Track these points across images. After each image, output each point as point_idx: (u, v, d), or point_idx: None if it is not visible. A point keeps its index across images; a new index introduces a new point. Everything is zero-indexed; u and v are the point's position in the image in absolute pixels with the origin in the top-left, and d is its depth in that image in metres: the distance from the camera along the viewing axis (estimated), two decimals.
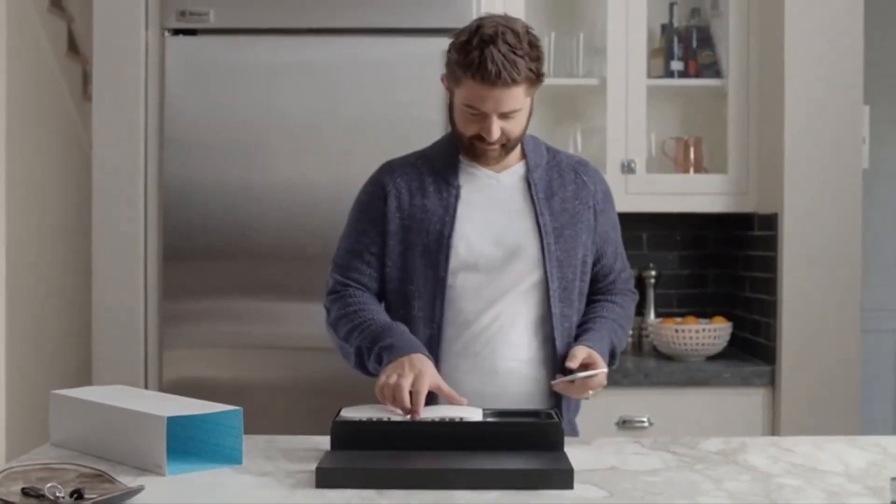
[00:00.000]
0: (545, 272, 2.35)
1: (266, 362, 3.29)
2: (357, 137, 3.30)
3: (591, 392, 2.31)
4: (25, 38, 3.87)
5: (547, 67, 3.69)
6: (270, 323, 3.30)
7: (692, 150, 3.80)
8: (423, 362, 2.19)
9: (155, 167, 3.38)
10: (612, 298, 2.51)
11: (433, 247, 2.33)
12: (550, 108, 3.87)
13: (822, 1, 3.39)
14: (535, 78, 2.25)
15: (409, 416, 2.10)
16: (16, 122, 3.75)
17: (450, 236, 2.33)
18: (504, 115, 2.26)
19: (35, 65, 3.98)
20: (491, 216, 2.36)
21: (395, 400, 2.13)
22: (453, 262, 2.33)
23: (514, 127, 2.30)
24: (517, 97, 2.24)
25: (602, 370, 2.28)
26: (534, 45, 2.25)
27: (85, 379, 3.65)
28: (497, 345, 2.35)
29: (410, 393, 2.12)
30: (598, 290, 2.51)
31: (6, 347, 3.68)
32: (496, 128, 2.26)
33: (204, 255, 3.32)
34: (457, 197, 2.36)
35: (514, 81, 2.20)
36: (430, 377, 2.16)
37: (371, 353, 2.29)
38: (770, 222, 3.50)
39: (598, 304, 2.48)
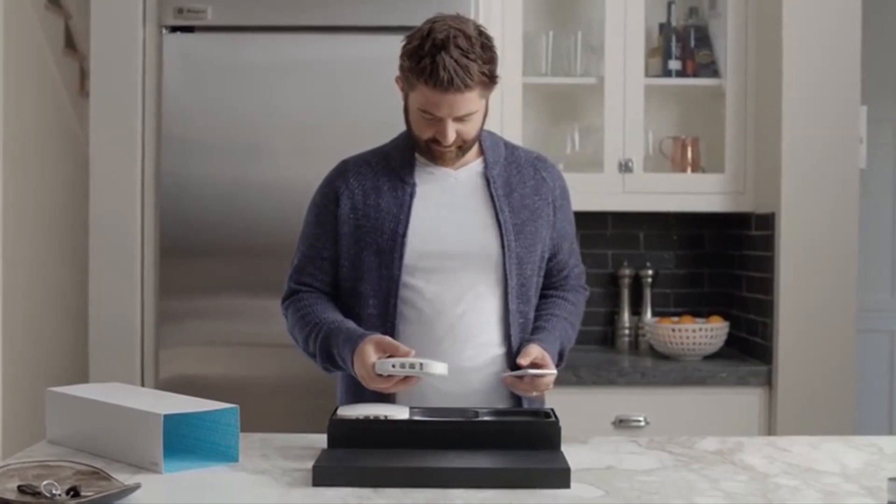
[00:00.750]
0: (504, 269, 2.33)
1: (263, 360, 3.29)
2: (354, 135, 3.29)
3: (536, 392, 2.29)
4: (23, 35, 3.87)
5: (544, 66, 3.74)
6: (267, 321, 3.29)
7: (689, 149, 3.80)
8: (363, 356, 2.18)
9: (152, 164, 3.37)
10: (565, 295, 2.49)
11: (386, 245, 2.32)
12: (548, 107, 3.87)
13: (819, 1, 3.39)
14: (489, 81, 2.23)
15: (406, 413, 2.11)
16: (12, 118, 3.74)
17: (404, 234, 2.31)
18: (459, 119, 2.24)
19: (32, 61, 3.97)
20: (448, 213, 2.34)
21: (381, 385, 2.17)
22: (408, 260, 2.31)
23: (470, 129, 2.28)
24: (471, 101, 2.22)
25: (552, 372, 2.26)
26: (486, 47, 2.22)
27: (81, 376, 3.65)
28: (460, 344, 2.32)
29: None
30: (551, 285, 2.49)
31: (2, 345, 3.68)
32: (451, 132, 2.24)
33: (200, 252, 3.32)
34: (412, 195, 2.34)
35: (467, 86, 2.18)
36: (370, 360, 2.16)
37: (331, 360, 2.32)
38: (767, 222, 3.50)
39: (551, 301, 2.47)
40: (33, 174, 3.97)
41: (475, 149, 2.39)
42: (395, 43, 3.29)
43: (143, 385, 3.34)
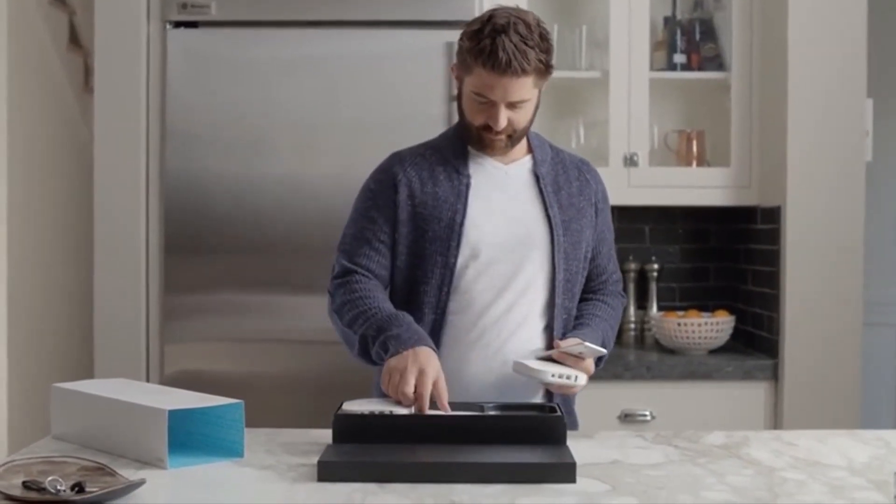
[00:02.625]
0: (553, 263, 2.37)
1: (268, 356, 3.29)
2: (359, 130, 3.30)
3: (561, 389, 2.31)
4: (27, 31, 3.87)
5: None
6: (271, 316, 3.30)
7: (695, 143, 3.79)
8: (428, 356, 2.18)
9: (156, 160, 3.37)
10: (604, 299, 2.53)
11: (444, 233, 2.34)
12: (553, 102, 3.86)
13: None
14: (545, 69, 2.28)
15: (412, 409, 2.11)
16: (17, 114, 3.74)
17: (461, 223, 2.34)
18: (512, 105, 2.28)
19: (36, 58, 3.97)
20: (502, 205, 2.38)
21: (400, 395, 2.13)
22: (464, 250, 2.34)
23: (521, 118, 2.32)
24: (526, 87, 2.26)
25: (602, 350, 2.30)
26: (544, 37, 2.27)
27: (86, 372, 3.65)
28: (507, 334, 2.36)
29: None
30: (590, 289, 2.53)
31: (8, 341, 3.68)
32: (503, 117, 2.28)
33: (205, 248, 3.32)
34: (468, 185, 2.37)
35: (524, 71, 2.22)
36: (434, 372, 2.15)
37: (376, 342, 2.26)
38: (773, 216, 3.49)
39: (592, 304, 2.51)
40: (38, 171, 3.97)
41: (523, 146, 2.44)
42: (402, 37, 3.32)
43: (148, 380, 3.34)
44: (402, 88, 3.30)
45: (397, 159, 2.44)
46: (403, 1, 3.32)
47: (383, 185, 2.41)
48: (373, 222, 2.40)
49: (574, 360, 2.27)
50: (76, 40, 4.37)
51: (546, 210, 2.39)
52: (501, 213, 2.37)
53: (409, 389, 2.12)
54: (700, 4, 3.87)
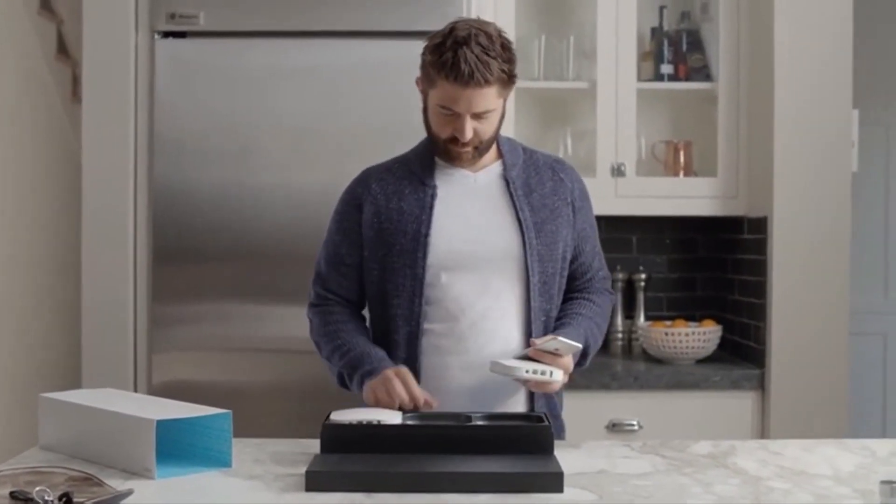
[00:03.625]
0: (526, 266, 2.37)
1: (256, 365, 3.29)
2: (348, 140, 3.30)
3: (539, 386, 2.30)
4: (15, 40, 3.87)
5: (537, 71, 3.74)
6: (260, 326, 3.29)
7: (682, 153, 3.80)
8: (399, 369, 2.30)
9: (144, 169, 3.37)
10: (590, 297, 2.52)
11: (410, 246, 2.36)
12: (540, 112, 3.87)
13: (811, 5, 3.40)
14: (507, 79, 2.30)
15: (402, 417, 2.12)
16: (5, 123, 3.74)
17: (427, 234, 2.36)
18: (477, 116, 2.30)
19: (24, 67, 3.97)
20: (469, 213, 2.39)
21: (390, 394, 2.24)
22: (431, 260, 2.36)
23: (487, 128, 2.33)
24: (489, 98, 2.28)
25: (577, 345, 2.28)
26: (506, 47, 2.29)
27: (74, 382, 3.64)
28: (484, 340, 2.36)
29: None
30: (575, 288, 2.53)
31: None
32: (469, 128, 2.30)
33: (194, 257, 3.32)
34: (433, 196, 2.39)
35: (486, 81, 2.24)
36: (412, 377, 2.28)
37: (353, 379, 2.39)
38: (759, 226, 3.50)
39: (576, 302, 2.50)
40: (26, 180, 3.96)
41: (493, 152, 2.45)
42: (388, 48, 3.32)
43: (135, 390, 3.33)
44: (390, 98, 3.30)
45: (364, 177, 2.49)
46: (391, 11, 3.32)
47: (348, 205, 2.47)
48: (339, 246, 2.47)
49: (551, 357, 2.27)
50: (64, 50, 4.36)
51: (517, 214, 2.39)
52: (469, 220, 2.38)
53: (400, 390, 2.23)
54: (687, 15, 3.88)
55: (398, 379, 2.26)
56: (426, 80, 2.33)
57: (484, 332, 2.36)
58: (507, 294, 2.38)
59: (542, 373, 2.24)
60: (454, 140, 2.34)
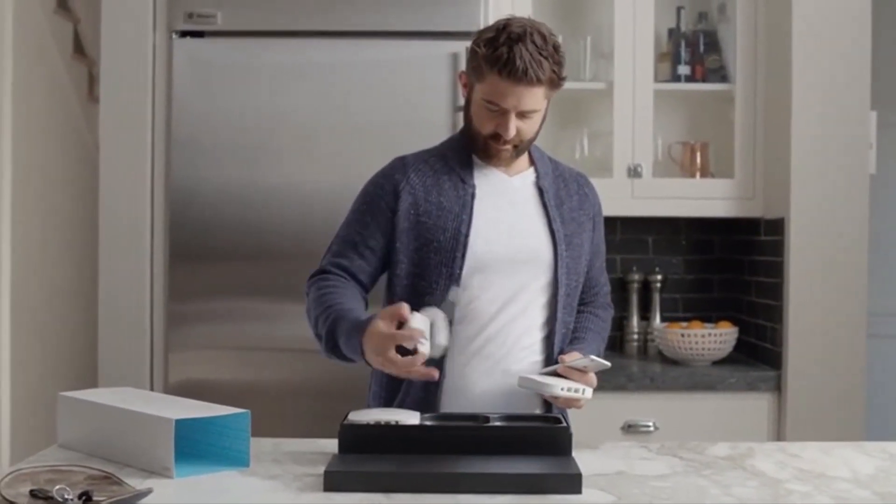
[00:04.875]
0: (556, 278, 2.37)
1: (273, 364, 3.29)
2: (363, 140, 3.30)
3: (569, 403, 2.29)
4: (32, 40, 3.88)
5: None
6: (277, 325, 3.30)
7: (699, 154, 3.80)
8: (369, 336, 2.14)
9: (161, 169, 3.38)
10: (596, 311, 2.55)
11: (448, 244, 2.33)
12: (557, 112, 3.86)
13: (829, 6, 3.39)
14: (557, 80, 2.30)
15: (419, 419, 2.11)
16: (22, 123, 3.75)
17: (467, 234, 2.33)
18: (522, 115, 2.28)
19: (41, 66, 3.98)
20: (506, 218, 2.37)
21: (397, 363, 2.11)
22: (469, 261, 2.33)
23: (530, 128, 2.32)
24: (537, 97, 2.27)
25: (606, 363, 2.27)
26: (557, 49, 2.29)
27: (91, 380, 3.65)
28: (509, 346, 2.35)
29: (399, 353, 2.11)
30: (582, 301, 2.53)
31: (11, 349, 3.68)
32: (513, 125, 2.28)
33: (210, 256, 3.32)
34: (472, 195, 2.36)
35: (538, 80, 2.24)
36: (385, 328, 2.11)
37: (335, 345, 2.25)
38: (776, 227, 3.49)
39: (584, 316, 2.51)
40: (43, 179, 3.98)
41: (525, 158, 2.44)
42: (405, 48, 3.33)
43: (152, 389, 3.34)
44: (407, 98, 3.31)
45: (401, 164, 2.42)
46: (408, 11, 3.33)
47: (384, 189, 2.39)
48: (365, 227, 2.39)
49: (578, 374, 2.27)
50: (81, 49, 4.38)
51: (550, 224, 2.38)
52: (507, 225, 2.36)
53: (397, 359, 2.10)
54: (704, 16, 3.88)
55: (383, 350, 2.11)
56: (474, 74, 2.30)
57: (509, 340, 2.35)
58: (535, 302, 2.37)
59: (576, 391, 2.24)
60: (495, 137, 2.31)
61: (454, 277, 2.32)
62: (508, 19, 2.30)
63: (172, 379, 3.31)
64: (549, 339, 2.39)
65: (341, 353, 2.27)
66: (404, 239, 2.36)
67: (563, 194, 2.44)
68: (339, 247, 2.41)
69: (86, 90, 4.42)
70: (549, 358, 2.39)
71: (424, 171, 2.40)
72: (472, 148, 2.40)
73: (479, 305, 2.35)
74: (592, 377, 2.29)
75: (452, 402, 2.32)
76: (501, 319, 2.35)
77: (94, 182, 3.49)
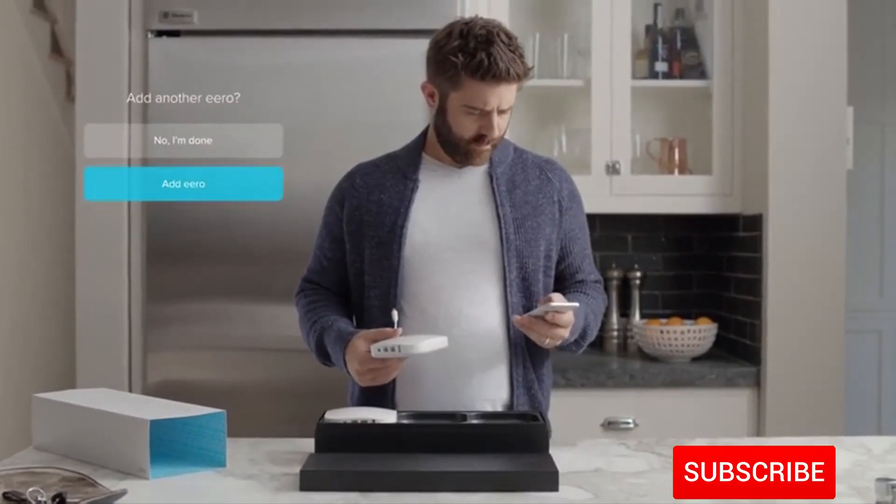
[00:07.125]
0: (503, 261, 2.35)
1: (250, 365, 3.28)
2: (341, 139, 3.29)
3: (549, 339, 2.27)
4: (8, 40, 3.86)
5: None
6: (255, 325, 3.29)
7: (677, 151, 3.80)
8: (353, 350, 2.26)
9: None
10: (584, 289, 2.49)
11: (386, 237, 2.37)
12: (535, 110, 3.87)
13: (805, 2, 3.40)
14: (528, 72, 2.32)
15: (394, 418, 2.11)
16: None
17: (403, 226, 2.36)
18: (502, 112, 2.31)
19: (18, 66, 3.96)
20: (448, 206, 2.39)
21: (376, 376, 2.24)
22: (407, 251, 2.35)
23: (505, 123, 2.35)
24: (513, 92, 2.31)
25: (573, 305, 2.26)
26: (516, 41, 2.31)
27: (68, 382, 3.63)
28: (464, 335, 2.33)
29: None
30: (566, 288, 2.48)
31: None
32: (496, 124, 2.31)
33: (188, 257, 3.31)
34: (413, 189, 2.40)
35: (518, 77, 2.28)
36: (360, 348, 2.23)
37: (325, 355, 2.40)
38: (755, 223, 3.50)
39: (571, 293, 2.46)
40: (20, 179, 3.96)
41: None
42: (382, 46, 3.32)
43: (130, 390, 3.32)
44: (384, 97, 3.30)
45: (351, 173, 2.51)
46: (386, 10, 3.32)
47: (335, 200, 2.50)
48: (323, 240, 2.50)
49: (545, 325, 2.24)
50: (58, 49, 4.36)
51: (497, 209, 2.38)
52: (448, 214, 2.38)
53: (370, 380, 2.25)
54: (681, 13, 3.88)
55: (364, 344, 2.23)
56: (449, 83, 2.29)
57: (462, 327, 2.33)
58: (484, 289, 2.36)
59: (395, 348, 2.20)
60: (478, 139, 2.33)
61: (393, 269, 2.35)
62: (466, 22, 2.30)
63: (150, 380, 3.30)
64: (507, 325, 2.36)
65: (332, 363, 2.42)
66: (352, 241, 2.43)
67: (518, 179, 2.43)
68: (312, 261, 2.55)
69: (64, 90, 4.39)
70: (510, 343, 2.36)
71: (372, 174, 2.46)
72: (451, 154, 2.40)
73: (424, 296, 2.36)
74: (567, 316, 2.25)
75: (408, 392, 2.34)
76: (450, 308, 2.34)
77: (72, 182, 3.47)
